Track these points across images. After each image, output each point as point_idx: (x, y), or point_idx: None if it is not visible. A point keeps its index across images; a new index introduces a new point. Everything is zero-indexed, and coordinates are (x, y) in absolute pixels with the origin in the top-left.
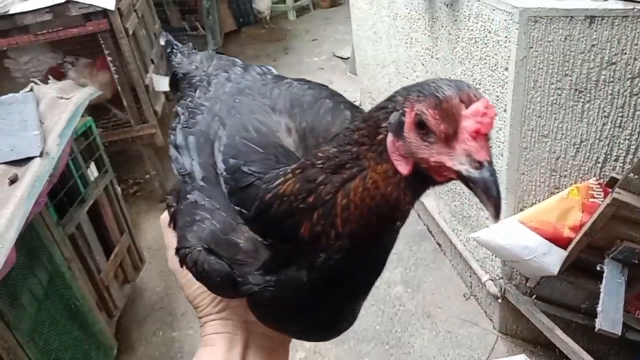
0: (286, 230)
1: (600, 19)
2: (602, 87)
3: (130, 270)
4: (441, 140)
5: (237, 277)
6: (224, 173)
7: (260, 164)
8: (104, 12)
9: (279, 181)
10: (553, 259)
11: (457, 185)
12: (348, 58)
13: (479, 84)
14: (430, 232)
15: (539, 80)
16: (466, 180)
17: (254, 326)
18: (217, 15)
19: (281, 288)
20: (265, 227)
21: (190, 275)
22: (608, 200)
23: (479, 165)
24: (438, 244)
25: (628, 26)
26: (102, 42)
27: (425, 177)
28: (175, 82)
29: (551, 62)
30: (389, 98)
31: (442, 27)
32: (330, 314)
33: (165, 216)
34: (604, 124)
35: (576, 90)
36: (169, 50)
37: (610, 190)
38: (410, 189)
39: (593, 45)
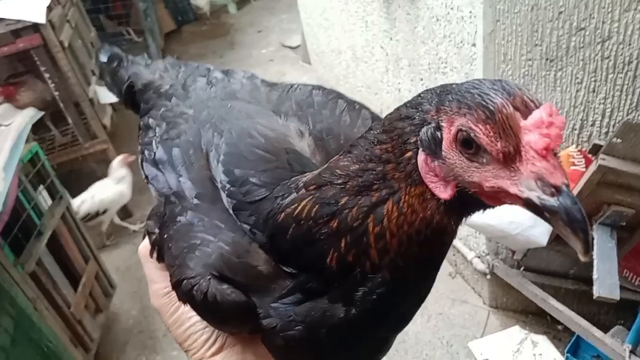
0: (309, 259)
1: None
2: (573, 53)
3: (101, 298)
4: (498, 161)
5: (257, 307)
6: (228, 186)
7: (272, 173)
8: (35, 27)
9: (291, 197)
10: (540, 231)
11: None
12: (298, 47)
13: (445, 63)
14: None
15: (508, 53)
16: (540, 210)
17: None
18: (154, 16)
19: (312, 324)
20: (284, 253)
21: (179, 312)
22: (593, 167)
23: (556, 190)
24: None
25: None
26: (36, 58)
27: (473, 200)
28: (130, 95)
29: (520, 34)
30: (413, 104)
31: (399, 7)
32: (371, 349)
33: (145, 246)
34: (577, 91)
35: (547, 59)
36: (115, 64)
37: (593, 157)
38: (455, 212)
39: (560, 13)
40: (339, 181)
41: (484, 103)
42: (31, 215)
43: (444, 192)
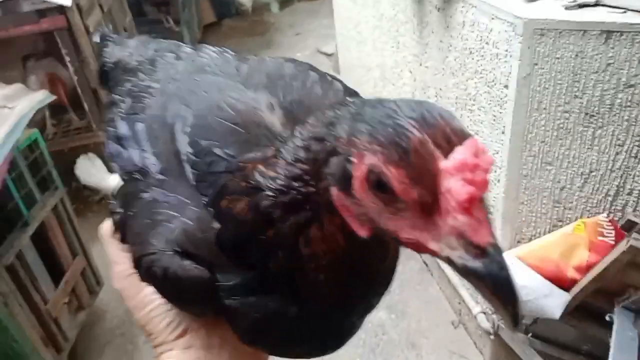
0: (251, 258)
1: (618, 34)
2: (617, 112)
3: (85, 296)
4: (415, 211)
5: (221, 284)
6: (193, 157)
7: (241, 147)
8: (61, 8)
9: (233, 186)
10: (555, 302)
11: None
12: (332, 54)
13: (474, 100)
14: None
15: (543, 101)
16: (464, 273)
17: (221, 354)
18: (195, 7)
19: (267, 314)
20: (228, 243)
21: (142, 295)
22: (624, 246)
23: (480, 252)
24: (425, 263)
25: None
26: (58, 40)
27: (394, 240)
28: (104, 75)
29: (559, 82)
30: (327, 121)
31: (433, 32)
32: (330, 332)
33: (107, 226)
34: (617, 153)
35: (587, 114)
36: (103, 44)
37: (625, 232)
38: (379, 245)
39: (609, 64)
40: (271, 194)
41: (397, 139)
42: (19, 205)
43: (362, 230)
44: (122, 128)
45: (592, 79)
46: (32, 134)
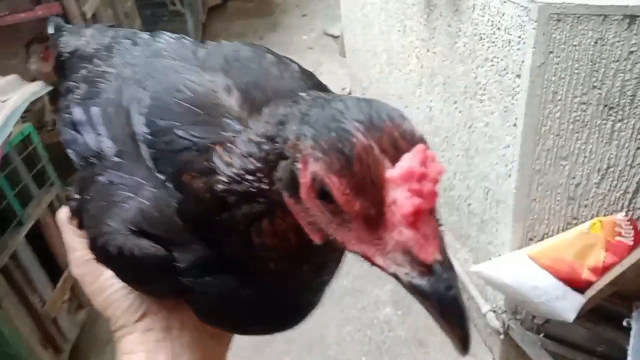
0: (207, 237)
1: None
2: (639, 103)
3: (84, 294)
4: (359, 224)
5: (179, 263)
6: (150, 137)
7: (202, 128)
8: None
9: (194, 165)
10: (568, 305)
11: (455, 200)
12: (339, 37)
13: (484, 90)
14: None
15: (559, 92)
16: (410, 291)
17: (181, 335)
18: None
19: (221, 293)
20: (189, 215)
21: (101, 280)
22: None
23: (426, 269)
24: None
25: None
26: None
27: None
28: (61, 65)
29: (576, 71)
30: (278, 119)
31: (441, 16)
32: (286, 310)
33: (64, 212)
34: (638, 148)
35: (606, 106)
36: (57, 35)
37: None
38: (329, 246)
39: (631, 52)
40: (226, 180)
41: (340, 146)
42: (11, 203)
43: (314, 236)
44: (77, 113)
45: (612, 68)
46: (24, 128)
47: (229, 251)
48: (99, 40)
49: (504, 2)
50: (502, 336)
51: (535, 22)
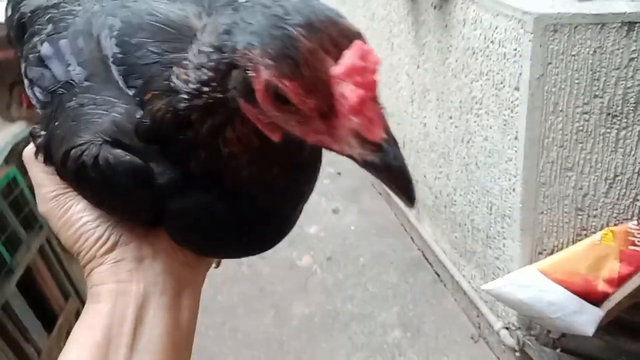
0: (173, 155)
1: None
2: None
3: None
4: (314, 118)
5: (155, 177)
6: (120, 56)
7: (173, 45)
8: None
9: (154, 91)
10: (586, 319)
11: (457, 216)
12: None
13: (480, 104)
14: (426, 259)
15: (560, 103)
16: (364, 166)
17: (153, 264)
18: None
19: (195, 211)
20: (146, 134)
21: (69, 214)
22: None
23: (376, 147)
24: (437, 273)
25: None
26: None
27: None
28: (21, 28)
29: (576, 81)
30: (223, 29)
31: (430, 32)
32: (263, 226)
33: (30, 149)
34: None
35: (609, 114)
36: (14, 9)
37: None
38: (291, 143)
39: (632, 59)
40: (186, 96)
41: (287, 51)
42: (1, 251)
43: (273, 135)
44: (45, 49)
45: (613, 76)
46: (9, 171)
47: (198, 167)
48: None
49: (497, 15)
50: (517, 353)
51: (531, 33)
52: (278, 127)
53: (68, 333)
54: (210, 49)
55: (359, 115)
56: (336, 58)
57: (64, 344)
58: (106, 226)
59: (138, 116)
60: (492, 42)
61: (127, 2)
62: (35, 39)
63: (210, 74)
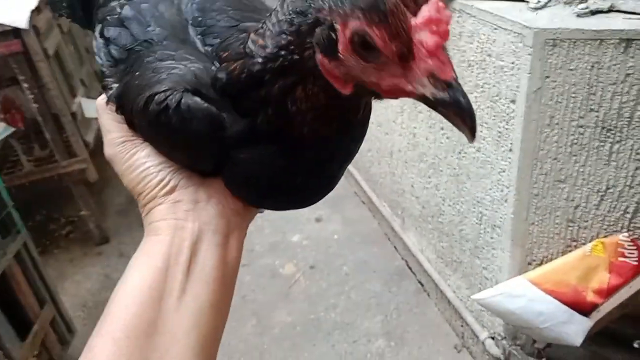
0: (243, 111)
1: (639, 42)
2: (637, 125)
3: (56, 347)
4: (393, 62)
5: (227, 126)
6: (200, 18)
7: (250, 14)
8: (16, 32)
9: (233, 45)
10: (575, 329)
11: (445, 226)
12: None
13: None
14: (410, 268)
15: (556, 116)
16: (433, 104)
17: (208, 207)
18: None
19: (254, 162)
20: (223, 89)
21: (134, 158)
22: None
23: (446, 85)
24: (420, 283)
25: None
26: (15, 66)
27: (372, 93)
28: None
29: (573, 95)
30: None
31: None
32: (313, 180)
33: (101, 98)
34: (637, 168)
35: (603, 128)
36: None
37: None
38: (357, 99)
39: (628, 75)
40: (261, 60)
41: (375, 4)
42: None
43: (344, 89)
44: (125, 11)
45: (609, 90)
46: None
47: (265, 122)
48: None
49: (495, 29)
50: None
51: (531, 48)
52: (352, 78)
53: (43, 341)
54: (293, 15)
55: (433, 58)
56: (414, 12)
57: (38, 353)
58: (168, 171)
59: (214, 71)
60: (489, 55)
61: None
62: (114, 3)
63: (290, 37)
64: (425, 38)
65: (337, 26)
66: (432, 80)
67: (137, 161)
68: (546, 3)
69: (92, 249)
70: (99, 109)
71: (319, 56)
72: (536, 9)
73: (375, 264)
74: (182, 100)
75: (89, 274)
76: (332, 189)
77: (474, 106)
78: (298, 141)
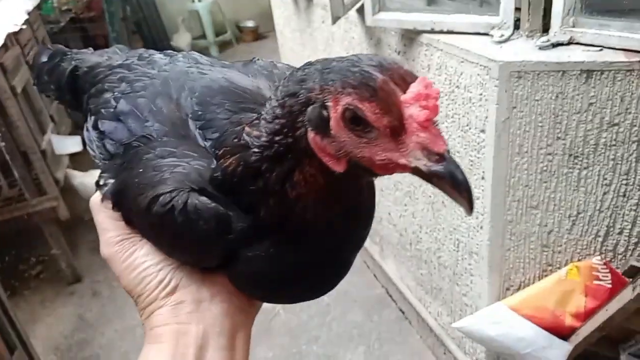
0: (246, 208)
1: (599, 73)
2: (602, 151)
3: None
4: (386, 136)
5: (233, 224)
6: (200, 113)
7: (246, 105)
8: None
9: (228, 139)
10: (556, 354)
11: (423, 253)
12: None
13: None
14: (390, 296)
15: (524, 144)
16: (428, 176)
17: (212, 307)
18: None
19: (270, 259)
20: (222, 186)
21: (132, 258)
22: (630, 294)
23: (440, 157)
24: (401, 310)
25: (633, 81)
26: None
27: (364, 170)
28: (72, 80)
29: (539, 124)
30: (297, 79)
31: None
32: (326, 271)
33: (96, 196)
34: (604, 193)
35: (571, 155)
36: (57, 60)
37: (627, 279)
38: (354, 177)
39: (591, 104)
40: (257, 150)
41: (366, 81)
42: None
43: (337, 166)
44: (121, 105)
45: (574, 119)
46: None
47: (267, 214)
48: (127, 54)
49: (462, 61)
50: None
51: (497, 80)
52: (345, 154)
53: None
54: (285, 98)
55: (425, 131)
56: (403, 89)
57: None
58: (168, 269)
59: (212, 169)
60: (457, 86)
61: (203, 70)
62: (108, 95)
63: (282, 120)
64: (415, 112)
65: (329, 103)
66: (425, 152)
67: (135, 260)
68: (509, 37)
69: (65, 288)
70: (93, 207)
71: (311, 134)
72: (500, 42)
73: (355, 293)
74: (189, 201)
75: (62, 315)
76: (345, 274)
77: (446, 136)
78: (304, 231)
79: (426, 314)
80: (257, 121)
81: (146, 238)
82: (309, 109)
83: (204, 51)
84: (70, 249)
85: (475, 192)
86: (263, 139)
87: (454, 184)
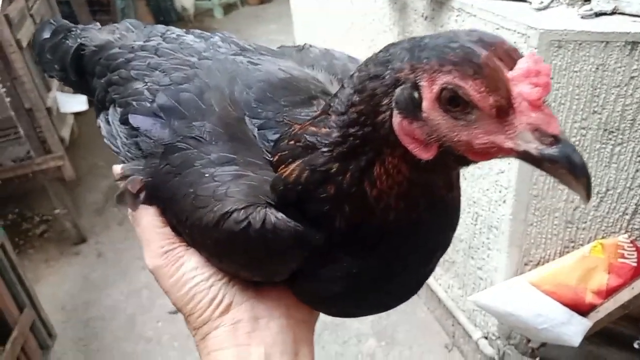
0: (316, 219)
1: None
2: (639, 127)
3: (36, 353)
4: (490, 117)
5: (310, 239)
6: (258, 110)
7: (305, 102)
8: None
9: (281, 145)
10: (574, 330)
11: None
12: None
13: None
14: None
15: (558, 117)
16: (539, 161)
17: (271, 324)
18: (134, 15)
19: (342, 277)
20: (285, 197)
21: (180, 272)
22: None
23: (554, 139)
24: None
25: None
26: None
27: (457, 157)
28: (77, 61)
29: (576, 97)
30: (381, 60)
31: None
32: (413, 283)
33: (142, 209)
34: (637, 170)
35: (605, 130)
36: (60, 37)
37: None
38: (442, 167)
39: (632, 78)
40: (326, 150)
41: (468, 57)
42: None
43: (425, 153)
44: (160, 98)
45: (613, 93)
46: None
47: (344, 223)
48: (140, 34)
49: (497, 28)
50: None
51: (536, 48)
52: (436, 139)
53: (23, 347)
54: (366, 82)
55: (537, 111)
56: (509, 66)
57: (17, 358)
58: (219, 285)
59: (273, 180)
60: None
61: (253, 59)
62: (138, 85)
63: (361, 106)
64: (526, 90)
65: (422, 83)
66: (537, 134)
67: (184, 276)
68: (549, 4)
69: (69, 248)
70: (134, 220)
71: (397, 119)
72: (539, 9)
73: None
74: (266, 219)
75: (67, 275)
76: (427, 279)
77: None
78: (386, 237)
79: (436, 286)
80: (322, 117)
81: (198, 250)
82: (397, 90)
83: (208, 13)
84: (75, 209)
85: (501, 166)
86: (335, 134)
87: (571, 169)
